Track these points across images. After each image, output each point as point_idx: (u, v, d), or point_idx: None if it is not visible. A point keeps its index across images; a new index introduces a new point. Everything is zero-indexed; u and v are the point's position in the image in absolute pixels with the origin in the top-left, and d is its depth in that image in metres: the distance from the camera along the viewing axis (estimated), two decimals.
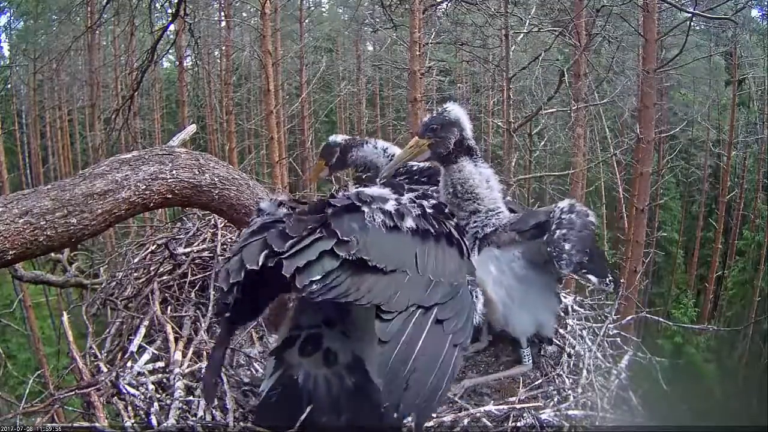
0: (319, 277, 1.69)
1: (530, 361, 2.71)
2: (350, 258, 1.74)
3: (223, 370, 2.53)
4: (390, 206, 1.96)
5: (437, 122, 2.59)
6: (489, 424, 2.29)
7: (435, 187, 2.77)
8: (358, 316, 2.06)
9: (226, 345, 2.25)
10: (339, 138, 3.49)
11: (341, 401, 1.93)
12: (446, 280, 1.91)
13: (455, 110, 2.62)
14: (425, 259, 1.90)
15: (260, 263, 1.76)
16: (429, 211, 2.06)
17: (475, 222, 2.62)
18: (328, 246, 1.74)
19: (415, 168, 3.15)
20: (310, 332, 2.05)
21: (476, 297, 2.07)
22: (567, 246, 2.35)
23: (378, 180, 2.85)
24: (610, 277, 2.50)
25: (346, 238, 1.76)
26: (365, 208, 1.90)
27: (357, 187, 2.35)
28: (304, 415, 1.89)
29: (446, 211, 2.20)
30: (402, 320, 1.73)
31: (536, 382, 2.68)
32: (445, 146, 2.58)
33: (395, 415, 1.66)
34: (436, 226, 2.03)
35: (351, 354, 2.02)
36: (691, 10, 6.22)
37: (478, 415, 2.33)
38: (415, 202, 2.08)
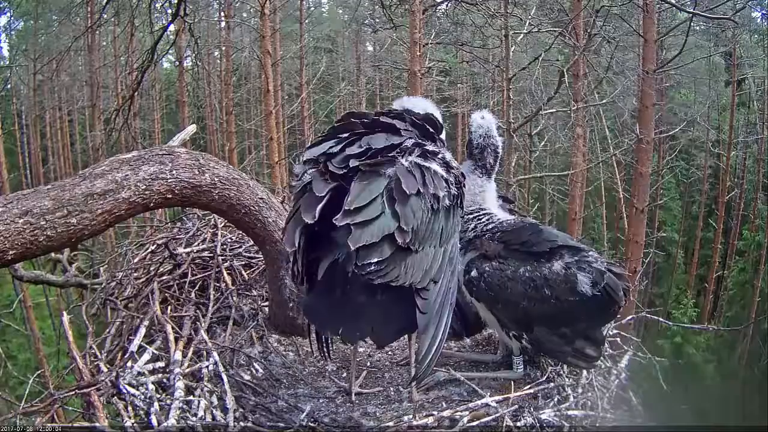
0: (376, 260, 1.96)
1: (520, 369, 2.72)
2: (403, 246, 2.00)
3: (225, 369, 2.54)
4: (441, 192, 2.18)
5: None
6: (489, 423, 2.30)
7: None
8: None
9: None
10: None
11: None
12: (454, 258, 2.29)
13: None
14: (447, 234, 2.22)
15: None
16: (453, 191, 2.28)
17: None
18: (391, 229, 1.98)
19: None
20: None
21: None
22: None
23: None
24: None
25: (405, 228, 2.00)
26: (423, 190, 2.09)
27: None
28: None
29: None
30: (433, 299, 2.13)
31: (536, 382, 2.68)
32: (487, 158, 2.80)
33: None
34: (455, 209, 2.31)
35: None
36: (691, 10, 6.20)
37: (476, 408, 2.38)
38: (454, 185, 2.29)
